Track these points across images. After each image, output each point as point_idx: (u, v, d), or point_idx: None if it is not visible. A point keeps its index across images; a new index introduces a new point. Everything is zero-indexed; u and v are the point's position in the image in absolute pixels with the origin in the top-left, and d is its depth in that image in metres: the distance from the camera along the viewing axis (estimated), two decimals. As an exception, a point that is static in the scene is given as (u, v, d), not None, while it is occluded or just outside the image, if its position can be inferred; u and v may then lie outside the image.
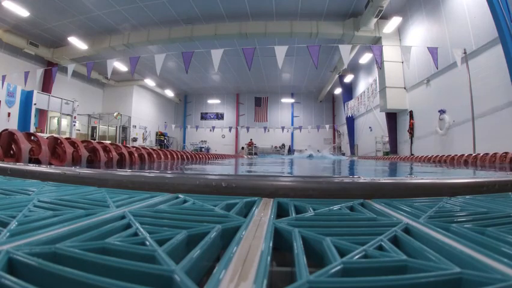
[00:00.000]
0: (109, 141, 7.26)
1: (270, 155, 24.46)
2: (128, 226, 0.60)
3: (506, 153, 6.41)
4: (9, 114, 12.44)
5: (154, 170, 3.04)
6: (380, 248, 0.31)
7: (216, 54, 8.58)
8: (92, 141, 5.44)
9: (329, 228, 0.49)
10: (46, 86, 15.66)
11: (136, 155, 5.88)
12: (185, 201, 0.93)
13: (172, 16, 13.73)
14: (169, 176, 1.23)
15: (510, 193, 1.14)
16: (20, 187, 1.19)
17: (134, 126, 22.68)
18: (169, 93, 26.48)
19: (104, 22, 14.04)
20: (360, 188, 1.07)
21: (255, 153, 25.96)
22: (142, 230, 0.51)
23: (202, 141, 28.78)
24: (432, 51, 8.30)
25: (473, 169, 5.06)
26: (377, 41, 13.56)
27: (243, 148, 27.53)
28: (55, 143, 4.47)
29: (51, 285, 0.31)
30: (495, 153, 6.68)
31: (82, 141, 4.94)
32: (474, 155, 7.46)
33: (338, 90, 23.59)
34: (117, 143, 9.71)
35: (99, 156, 4.88)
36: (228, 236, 0.52)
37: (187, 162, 7.53)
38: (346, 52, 8.64)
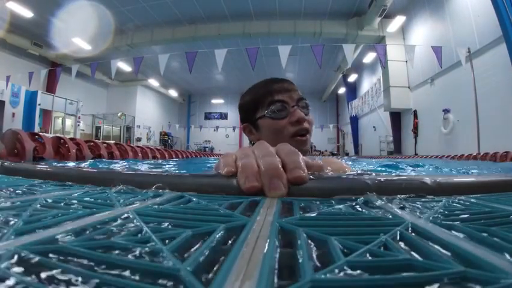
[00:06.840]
0: (113, 141, 7.30)
1: None
2: (134, 225, 0.61)
3: (507, 152, 6.36)
4: (13, 114, 12.53)
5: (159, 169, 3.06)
6: (384, 246, 0.31)
7: (220, 54, 8.61)
8: (97, 141, 5.47)
9: (333, 228, 0.49)
10: (50, 87, 15.76)
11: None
12: (189, 201, 0.93)
13: (176, 16, 13.77)
14: (174, 175, 1.24)
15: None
16: (25, 186, 1.20)
17: (138, 126, 22.75)
18: (173, 93, 26.53)
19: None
20: (364, 186, 1.07)
21: None
22: (146, 228, 0.51)
23: (206, 141, 28.82)
24: (436, 50, 8.26)
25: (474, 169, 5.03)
26: (381, 40, 13.50)
27: None
28: (58, 143, 4.51)
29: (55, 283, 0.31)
30: (495, 153, 6.65)
31: (86, 141, 4.98)
32: (474, 154, 7.44)
33: (342, 90, 23.50)
34: (121, 142, 9.77)
35: (102, 156, 4.91)
36: (233, 235, 0.53)
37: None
38: (350, 51, 8.64)
